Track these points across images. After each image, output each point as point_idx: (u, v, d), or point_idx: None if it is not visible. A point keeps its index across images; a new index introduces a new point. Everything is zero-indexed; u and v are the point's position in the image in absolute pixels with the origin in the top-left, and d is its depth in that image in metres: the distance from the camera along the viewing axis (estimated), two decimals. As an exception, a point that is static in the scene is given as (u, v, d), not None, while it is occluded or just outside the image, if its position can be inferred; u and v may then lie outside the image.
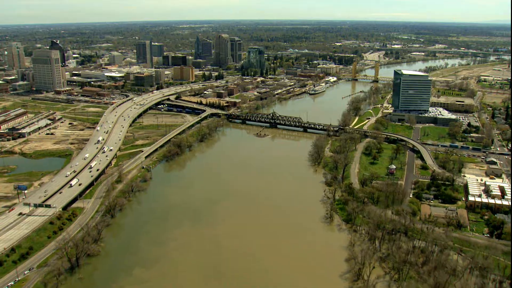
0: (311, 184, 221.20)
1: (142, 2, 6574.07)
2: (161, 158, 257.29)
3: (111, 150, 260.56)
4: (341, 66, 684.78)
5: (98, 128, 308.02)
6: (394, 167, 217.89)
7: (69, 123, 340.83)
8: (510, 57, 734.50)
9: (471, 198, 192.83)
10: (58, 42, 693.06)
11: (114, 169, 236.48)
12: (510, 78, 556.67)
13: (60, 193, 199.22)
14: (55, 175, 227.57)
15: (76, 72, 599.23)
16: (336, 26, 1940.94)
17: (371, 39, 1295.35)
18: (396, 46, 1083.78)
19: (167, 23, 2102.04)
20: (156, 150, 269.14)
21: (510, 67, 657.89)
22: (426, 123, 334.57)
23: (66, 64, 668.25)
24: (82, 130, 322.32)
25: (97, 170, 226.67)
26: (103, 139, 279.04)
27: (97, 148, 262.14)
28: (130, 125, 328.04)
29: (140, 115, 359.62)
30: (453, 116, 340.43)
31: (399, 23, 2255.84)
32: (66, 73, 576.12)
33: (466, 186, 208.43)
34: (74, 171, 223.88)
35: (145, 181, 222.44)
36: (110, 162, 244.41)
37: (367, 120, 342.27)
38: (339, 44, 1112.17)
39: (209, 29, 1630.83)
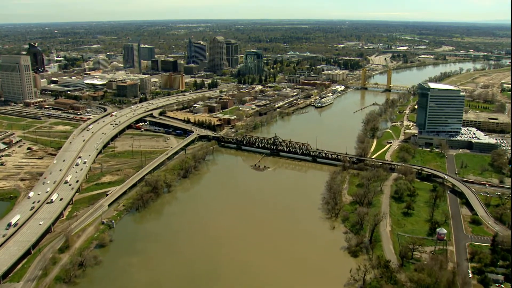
0: (330, 252, 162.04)
1: (141, 1, 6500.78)
2: (130, 205, 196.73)
3: (72, 188, 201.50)
4: (347, 72, 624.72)
5: (56, 160, 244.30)
6: (445, 231, 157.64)
7: (28, 148, 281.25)
8: None
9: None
10: (36, 44, 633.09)
11: (65, 224, 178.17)
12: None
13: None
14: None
15: (55, 79, 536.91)
16: (336, 25, 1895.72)
17: (373, 40, 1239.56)
18: (401, 48, 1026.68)
19: (164, 23, 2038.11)
20: (125, 191, 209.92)
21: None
22: (459, 149, 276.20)
23: (46, 69, 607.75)
24: (41, 158, 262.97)
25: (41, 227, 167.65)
26: (58, 179, 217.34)
27: (47, 191, 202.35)
28: (101, 152, 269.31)
29: (115, 136, 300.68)
30: (492, 140, 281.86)
31: (399, 23, 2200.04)
32: (43, 80, 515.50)
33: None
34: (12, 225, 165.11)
35: (102, 246, 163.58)
36: (61, 213, 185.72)
37: (388, 145, 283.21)
38: (342, 45, 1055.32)
39: (206, 29, 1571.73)
